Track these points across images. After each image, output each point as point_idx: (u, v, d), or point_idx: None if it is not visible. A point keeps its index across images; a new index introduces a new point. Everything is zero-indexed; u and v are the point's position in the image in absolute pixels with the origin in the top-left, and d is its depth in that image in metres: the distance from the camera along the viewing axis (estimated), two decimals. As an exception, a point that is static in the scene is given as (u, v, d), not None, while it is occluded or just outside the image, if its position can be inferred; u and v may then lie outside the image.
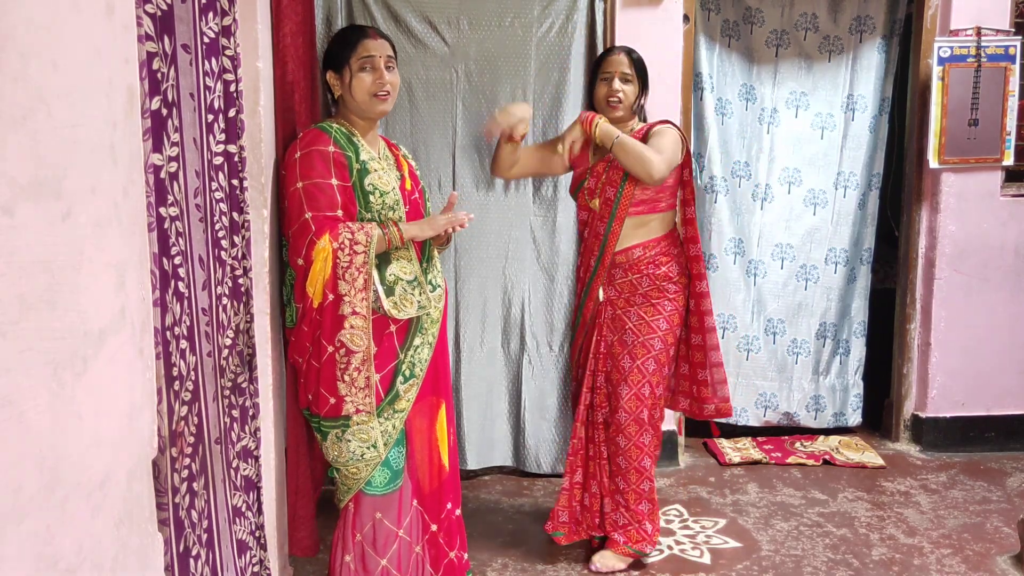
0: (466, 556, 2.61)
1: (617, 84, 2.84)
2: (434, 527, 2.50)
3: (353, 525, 2.35)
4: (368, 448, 2.28)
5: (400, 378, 2.34)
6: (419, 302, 2.33)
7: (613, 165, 2.84)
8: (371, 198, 2.28)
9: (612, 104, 2.85)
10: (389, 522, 2.36)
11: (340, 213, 2.23)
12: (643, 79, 2.91)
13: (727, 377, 3.08)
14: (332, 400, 2.23)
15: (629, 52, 2.90)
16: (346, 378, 2.22)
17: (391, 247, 2.28)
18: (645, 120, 2.99)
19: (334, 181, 2.23)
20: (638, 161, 2.69)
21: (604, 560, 2.93)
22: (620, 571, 2.92)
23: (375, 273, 2.24)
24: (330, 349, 2.21)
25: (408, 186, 2.42)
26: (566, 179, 3.59)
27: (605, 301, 2.94)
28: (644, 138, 2.83)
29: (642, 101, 2.94)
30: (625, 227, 2.86)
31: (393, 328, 2.32)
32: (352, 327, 2.20)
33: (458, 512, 2.59)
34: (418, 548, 2.44)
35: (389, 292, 2.28)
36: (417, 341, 2.37)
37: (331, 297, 2.18)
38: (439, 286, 2.45)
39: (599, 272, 2.92)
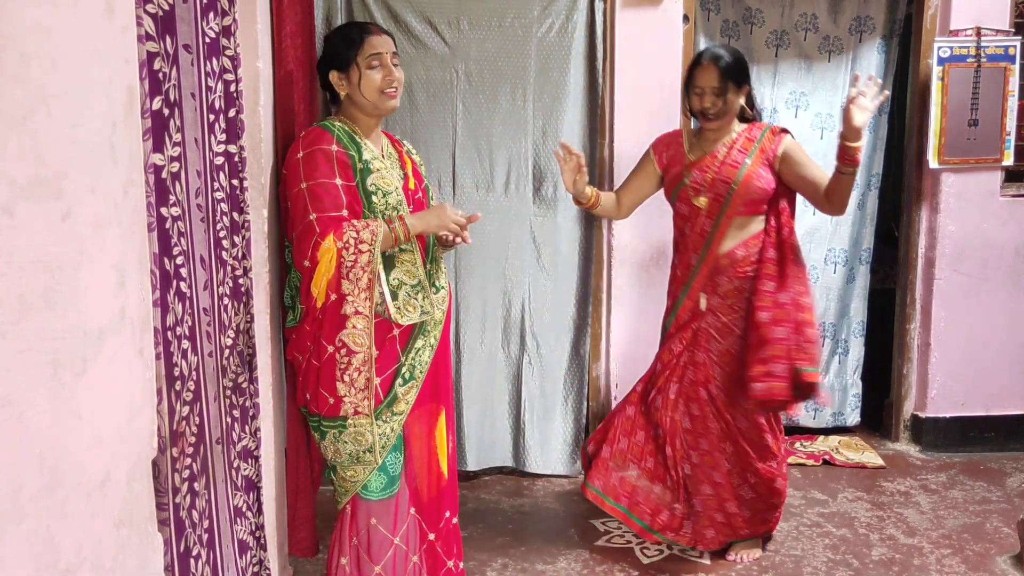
0: (461, 564, 2.58)
1: (708, 101, 2.79)
2: (432, 536, 2.46)
3: (349, 528, 2.32)
4: (364, 452, 2.26)
5: (399, 380, 2.31)
6: (422, 307, 2.31)
7: (723, 161, 2.81)
8: (373, 199, 2.25)
9: (708, 118, 2.81)
10: (384, 529, 2.33)
11: (345, 213, 2.20)
12: (737, 82, 2.79)
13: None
14: (331, 400, 2.22)
15: (716, 60, 2.78)
16: (346, 378, 2.20)
17: (397, 244, 2.24)
18: (747, 119, 2.91)
19: (338, 181, 2.20)
20: (849, 197, 2.75)
21: (744, 550, 3.00)
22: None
23: (382, 274, 2.22)
24: (330, 349, 2.19)
25: (412, 185, 2.38)
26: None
27: (708, 309, 2.88)
28: (760, 140, 2.83)
29: (742, 102, 2.84)
30: (730, 227, 2.83)
31: (396, 332, 2.29)
32: (354, 327, 2.18)
33: (455, 521, 2.56)
34: (415, 557, 2.40)
35: (393, 297, 2.25)
36: (419, 343, 2.34)
37: (333, 297, 2.16)
38: (443, 287, 2.42)
39: (701, 270, 2.87)
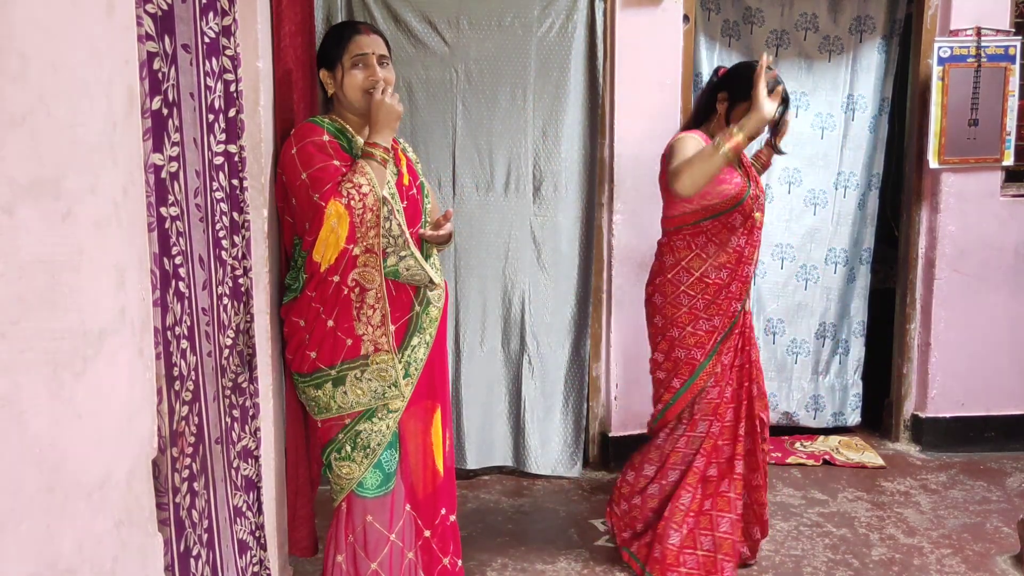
0: (460, 563, 2.57)
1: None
2: (427, 533, 2.46)
3: (345, 526, 2.33)
4: (389, 387, 2.28)
5: None
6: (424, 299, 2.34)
7: (754, 176, 2.81)
8: None
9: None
10: (380, 525, 2.33)
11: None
12: (731, 91, 2.70)
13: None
14: (349, 342, 2.23)
15: (716, 72, 2.81)
16: (362, 317, 2.22)
17: (385, 165, 2.21)
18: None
19: (336, 162, 2.21)
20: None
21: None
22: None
23: (402, 222, 2.23)
24: (345, 290, 2.20)
25: (406, 181, 2.38)
26: (566, 179, 3.60)
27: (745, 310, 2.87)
28: (749, 159, 2.92)
29: (735, 110, 2.70)
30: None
31: (392, 328, 2.30)
32: (366, 265, 2.19)
33: (453, 518, 2.55)
34: (411, 554, 2.40)
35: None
36: (415, 341, 2.34)
37: (352, 248, 2.16)
38: (439, 284, 2.42)
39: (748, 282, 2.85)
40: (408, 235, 2.25)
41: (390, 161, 2.24)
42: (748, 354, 2.86)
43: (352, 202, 2.14)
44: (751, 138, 2.52)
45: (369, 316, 2.23)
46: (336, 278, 2.20)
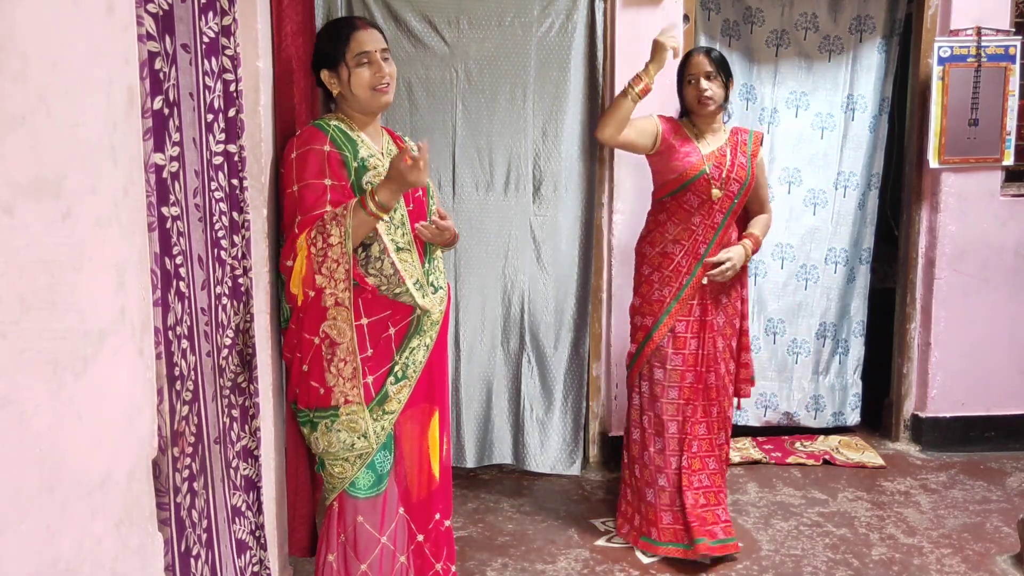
0: (454, 568, 2.55)
1: (704, 84, 2.92)
2: (420, 537, 2.43)
3: (337, 525, 2.31)
4: (358, 438, 2.24)
5: (391, 379, 2.28)
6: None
7: (732, 161, 2.98)
8: None
9: (703, 103, 2.93)
10: (371, 527, 2.31)
11: (328, 210, 2.16)
12: (727, 74, 2.98)
13: (752, 380, 3.24)
14: (321, 391, 2.21)
15: (708, 51, 2.97)
16: (332, 369, 2.19)
17: (377, 218, 2.13)
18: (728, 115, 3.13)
19: (327, 181, 2.17)
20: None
21: (713, 546, 2.98)
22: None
23: (389, 245, 2.19)
24: (316, 340, 2.18)
25: None
26: (566, 179, 3.60)
27: (705, 285, 3.01)
28: (751, 146, 3.02)
29: (728, 97, 3.02)
30: (732, 223, 3.03)
31: (392, 331, 2.27)
32: (336, 318, 2.15)
33: (448, 523, 2.53)
34: (403, 558, 2.38)
35: (395, 297, 2.25)
36: (414, 343, 2.32)
37: (311, 293, 2.14)
38: (441, 287, 2.39)
39: (707, 258, 2.99)
40: (403, 273, 2.22)
41: (389, 211, 2.15)
42: (713, 342, 3.00)
43: (313, 247, 2.11)
44: (657, 69, 2.88)
45: (340, 368, 2.19)
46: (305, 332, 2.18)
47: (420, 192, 2.38)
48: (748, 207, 3.10)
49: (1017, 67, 3.72)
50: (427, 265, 2.35)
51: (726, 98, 3.00)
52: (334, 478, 2.30)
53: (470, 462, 3.64)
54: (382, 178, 2.17)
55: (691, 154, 2.97)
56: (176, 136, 1.63)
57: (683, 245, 2.99)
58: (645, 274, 3.05)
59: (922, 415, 3.97)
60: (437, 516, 2.47)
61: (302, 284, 2.14)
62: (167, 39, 1.59)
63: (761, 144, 3.07)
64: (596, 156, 3.62)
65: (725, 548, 2.94)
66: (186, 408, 1.67)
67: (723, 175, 2.96)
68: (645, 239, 3.10)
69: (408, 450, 2.39)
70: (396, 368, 2.29)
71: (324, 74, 2.30)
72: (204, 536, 1.77)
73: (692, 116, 3.02)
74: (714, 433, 3.02)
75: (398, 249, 2.26)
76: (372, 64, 2.26)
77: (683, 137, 3.01)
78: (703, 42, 3.79)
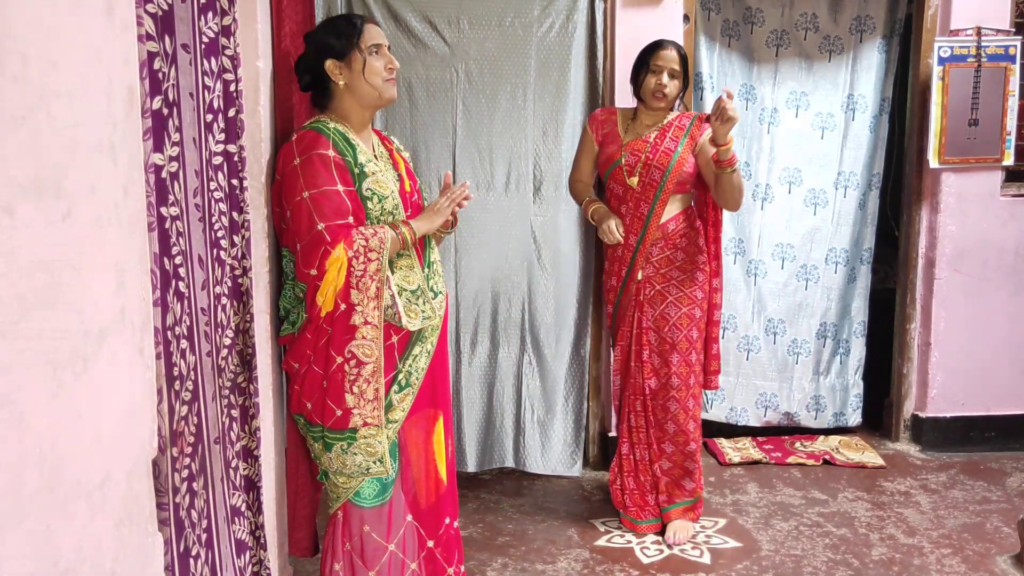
0: (463, 568, 2.55)
1: (665, 79, 2.98)
2: (431, 543, 2.41)
3: (342, 534, 2.29)
4: (375, 462, 2.22)
5: (395, 387, 2.27)
6: (423, 312, 2.28)
7: (655, 147, 3.01)
8: (369, 204, 2.20)
9: (658, 97, 2.99)
10: (377, 536, 2.29)
11: (351, 220, 2.16)
12: (687, 74, 3.06)
13: (720, 370, 3.29)
14: (339, 412, 2.16)
15: (679, 48, 3.03)
16: (355, 390, 2.15)
17: (404, 248, 2.23)
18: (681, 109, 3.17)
19: (340, 187, 2.15)
20: (740, 195, 2.98)
21: (680, 530, 3.12)
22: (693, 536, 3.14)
23: (391, 278, 2.20)
24: (339, 360, 2.14)
25: (407, 187, 2.34)
26: (566, 179, 3.59)
27: (644, 279, 3.08)
28: (689, 129, 3.04)
29: (682, 96, 3.11)
30: (665, 206, 3.06)
31: (395, 339, 2.26)
32: (364, 337, 2.13)
33: (456, 525, 2.52)
34: (414, 565, 2.36)
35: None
36: (416, 350, 2.31)
37: (343, 307, 2.12)
38: (440, 292, 2.38)
39: (641, 249, 3.05)
40: (398, 299, 2.23)
41: (409, 241, 2.25)
42: (639, 320, 3.11)
43: (355, 262, 2.12)
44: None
45: (363, 390, 2.16)
46: (332, 350, 2.17)
47: (416, 196, 2.38)
48: (710, 186, 3.06)
49: (1017, 67, 3.72)
50: (426, 270, 2.35)
51: (679, 97, 3.07)
52: (338, 488, 2.28)
53: (471, 466, 3.64)
54: (378, 183, 2.22)
55: (611, 144, 3.10)
56: (175, 136, 1.63)
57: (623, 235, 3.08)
58: (606, 263, 3.22)
59: (922, 415, 3.97)
60: (447, 520, 2.46)
61: (335, 295, 2.12)
62: (166, 39, 1.59)
63: (706, 123, 3.01)
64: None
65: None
66: (185, 408, 1.67)
67: (639, 162, 3.02)
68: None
69: (415, 457, 2.36)
70: (400, 376, 2.29)
71: (330, 64, 2.24)
72: (204, 536, 1.77)
73: (641, 103, 3.08)
74: (652, 427, 3.14)
75: (398, 255, 2.26)
76: (384, 56, 2.27)
77: (611, 128, 3.12)
78: (703, 43, 3.79)
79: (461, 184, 2.37)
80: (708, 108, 3.81)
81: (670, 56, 2.99)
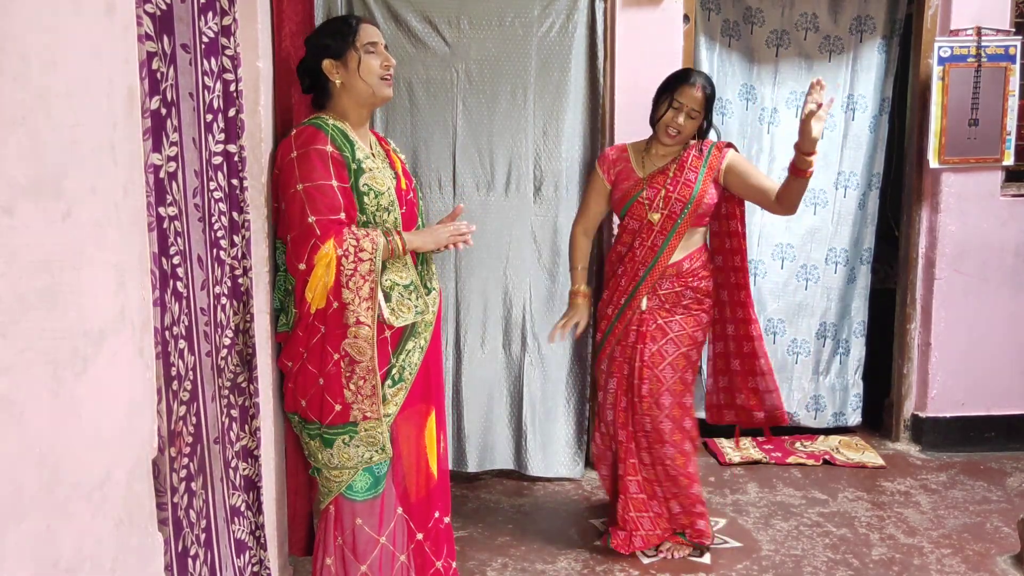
0: (454, 564, 2.55)
1: (682, 120, 2.84)
2: (420, 536, 2.43)
3: (334, 528, 2.31)
4: (377, 451, 2.26)
5: (388, 382, 2.29)
6: (416, 307, 2.30)
7: (675, 180, 2.89)
8: (365, 199, 2.22)
9: (670, 135, 2.86)
10: (370, 528, 2.31)
11: (343, 216, 2.17)
12: (709, 112, 2.89)
13: (779, 384, 3.17)
14: (338, 407, 2.20)
15: (705, 87, 2.86)
16: (352, 386, 2.18)
17: (392, 256, 2.24)
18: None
19: (335, 183, 2.17)
20: (799, 200, 2.86)
21: (676, 549, 3.02)
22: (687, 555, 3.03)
23: (407, 268, 2.23)
24: (335, 356, 2.17)
25: (403, 185, 2.36)
26: (566, 179, 3.60)
27: (648, 310, 2.95)
28: (708, 159, 2.91)
29: (704, 134, 2.94)
30: (680, 241, 2.92)
31: (388, 333, 2.28)
32: (356, 337, 2.16)
33: (447, 520, 2.53)
34: (403, 557, 2.38)
35: (386, 299, 2.24)
36: (410, 345, 2.33)
37: (335, 305, 2.14)
38: (434, 289, 2.41)
39: (647, 282, 2.93)
40: (383, 303, 2.23)
41: (399, 251, 2.26)
42: (640, 352, 2.94)
43: (345, 260, 2.13)
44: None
45: (359, 386, 2.19)
46: (328, 347, 2.18)
47: (412, 194, 2.40)
48: (762, 200, 2.93)
49: (1017, 67, 3.72)
50: (421, 267, 2.37)
51: (698, 136, 2.93)
52: (331, 482, 2.29)
53: (472, 467, 3.64)
54: (375, 179, 2.24)
55: (625, 180, 2.97)
56: (174, 136, 1.63)
57: (625, 267, 2.97)
58: (608, 287, 3.06)
59: (922, 415, 3.97)
60: (436, 514, 2.48)
61: (327, 293, 2.14)
62: (165, 39, 1.59)
63: (724, 149, 2.95)
64: (596, 156, 3.61)
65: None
66: (183, 408, 1.67)
67: (659, 197, 2.89)
68: (608, 255, 3.13)
69: (406, 451, 2.39)
70: (393, 371, 2.30)
71: (327, 64, 2.27)
72: (203, 536, 1.77)
73: (654, 135, 2.94)
74: (647, 465, 3.00)
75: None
76: (380, 55, 2.29)
77: (624, 165, 3.00)
78: (703, 43, 3.79)
79: (468, 225, 2.38)
80: (708, 108, 3.81)
81: (694, 96, 2.82)
